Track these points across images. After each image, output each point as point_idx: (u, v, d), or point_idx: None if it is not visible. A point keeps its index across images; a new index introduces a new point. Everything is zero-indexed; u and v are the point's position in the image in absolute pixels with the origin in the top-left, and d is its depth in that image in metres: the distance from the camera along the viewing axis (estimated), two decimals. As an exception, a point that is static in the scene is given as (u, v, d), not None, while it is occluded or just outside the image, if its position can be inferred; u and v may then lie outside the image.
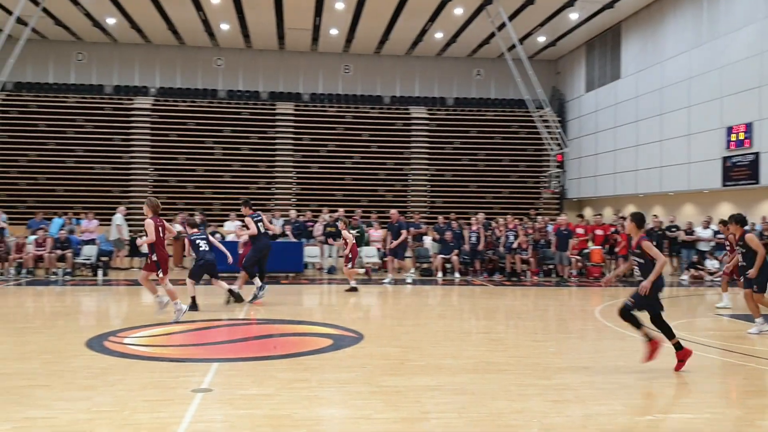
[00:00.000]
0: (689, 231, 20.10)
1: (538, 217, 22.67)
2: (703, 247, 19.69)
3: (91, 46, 32.08)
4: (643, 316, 7.46)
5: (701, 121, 22.69)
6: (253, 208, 13.17)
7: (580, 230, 19.64)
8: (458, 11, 27.24)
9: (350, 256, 15.40)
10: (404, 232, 17.72)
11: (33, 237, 18.57)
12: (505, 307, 13.64)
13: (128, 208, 24.73)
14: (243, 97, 32.69)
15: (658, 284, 7.28)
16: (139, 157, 30.57)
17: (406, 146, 32.27)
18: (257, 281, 12.67)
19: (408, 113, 32.75)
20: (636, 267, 7.51)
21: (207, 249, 12.15)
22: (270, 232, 13.84)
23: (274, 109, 32.07)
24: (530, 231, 19.37)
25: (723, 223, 14.13)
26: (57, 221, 20.40)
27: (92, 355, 7.88)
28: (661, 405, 6.27)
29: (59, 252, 18.10)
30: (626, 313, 7.32)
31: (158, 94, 32.23)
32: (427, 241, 20.94)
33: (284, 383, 6.61)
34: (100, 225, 20.35)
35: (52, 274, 18.08)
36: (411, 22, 28.56)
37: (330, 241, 19.77)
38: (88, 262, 18.57)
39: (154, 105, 31.28)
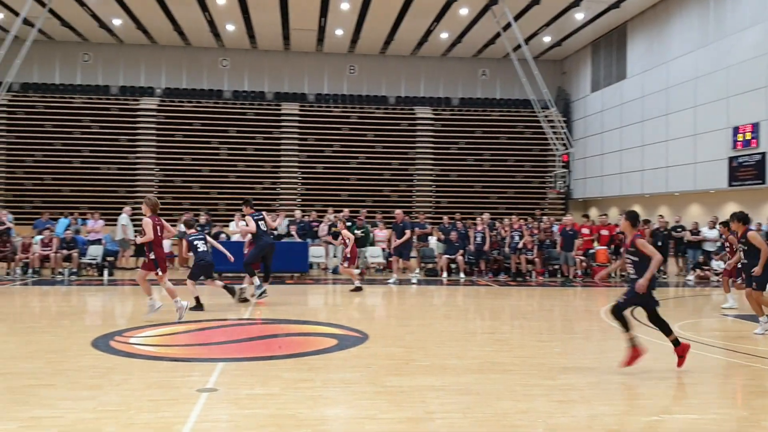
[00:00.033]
0: (695, 231, 20.04)
1: (544, 217, 22.62)
2: (709, 247, 19.62)
3: (97, 46, 32.19)
4: (642, 316, 7.44)
5: (707, 121, 22.63)
6: (256, 207, 13.23)
7: (585, 230, 19.58)
8: (463, 11, 27.23)
9: (348, 255, 15.43)
10: (408, 232, 17.70)
11: (39, 237, 18.64)
12: (510, 307, 13.62)
13: (134, 209, 24.73)
14: (248, 97, 32.74)
15: (652, 282, 7.24)
16: (145, 157, 30.66)
17: (411, 146, 32.26)
18: (256, 280, 12.71)
19: (413, 113, 32.74)
20: (630, 265, 7.48)
21: (205, 249, 12.19)
22: (272, 229, 13.91)
23: (279, 110, 32.12)
24: (535, 231, 19.34)
25: (723, 224, 14.08)
26: (63, 221, 20.48)
27: (98, 354, 7.90)
28: (666, 405, 6.25)
29: (65, 252, 18.15)
30: (618, 313, 7.29)
31: (164, 94, 32.32)
32: (432, 241, 20.93)
33: (289, 383, 6.61)
34: (106, 225, 20.41)
35: (58, 274, 18.14)
36: (416, 22, 28.56)
37: (331, 239, 19.78)
38: (93, 262, 18.63)
39: (159, 105, 31.36)
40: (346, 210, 20.95)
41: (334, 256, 19.98)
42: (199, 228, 19.13)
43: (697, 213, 23.57)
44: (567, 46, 31.90)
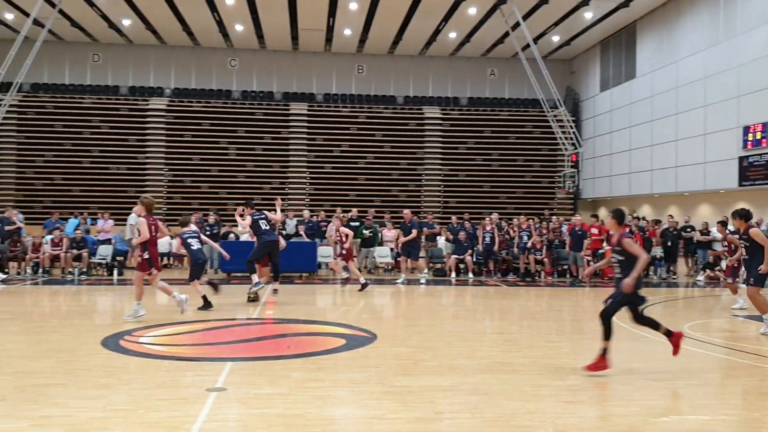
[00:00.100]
0: (705, 231, 19.93)
1: (553, 217, 22.56)
2: (718, 247, 19.48)
3: (106, 47, 32.34)
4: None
5: (717, 120, 22.51)
6: (263, 207, 13.29)
7: (594, 230, 19.48)
8: (472, 11, 27.19)
9: (344, 252, 15.48)
10: (414, 231, 17.65)
11: (49, 237, 18.74)
12: (519, 307, 13.59)
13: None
14: (257, 97, 32.81)
15: (638, 282, 7.18)
16: (154, 157, 30.78)
17: (419, 146, 32.25)
18: (254, 278, 12.75)
19: (421, 113, 32.72)
20: (616, 264, 7.43)
21: (199, 247, 12.27)
22: (277, 223, 14.04)
23: (287, 110, 32.17)
24: (544, 231, 19.28)
25: (721, 223, 14.02)
26: (72, 221, 20.59)
27: (108, 354, 7.94)
28: (677, 406, 6.22)
29: (75, 252, 18.24)
30: (607, 318, 7.19)
31: (173, 94, 32.44)
32: (441, 241, 20.90)
33: (298, 383, 6.62)
34: (116, 225, 20.49)
35: (68, 273, 18.23)
36: (424, 22, 28.55)
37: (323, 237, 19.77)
38: (103, 261, 18.71)
39: (168, 105, 31.47)
40: (355, 210, 20.99)
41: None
42: (208, 227, 19.34)
43: (706, 213, 23.45)
44: (576, 46, 31.80)
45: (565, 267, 19.21)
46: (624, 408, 5.95)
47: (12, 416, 5.44)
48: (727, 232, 13.71)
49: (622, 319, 10.78)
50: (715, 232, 19.67)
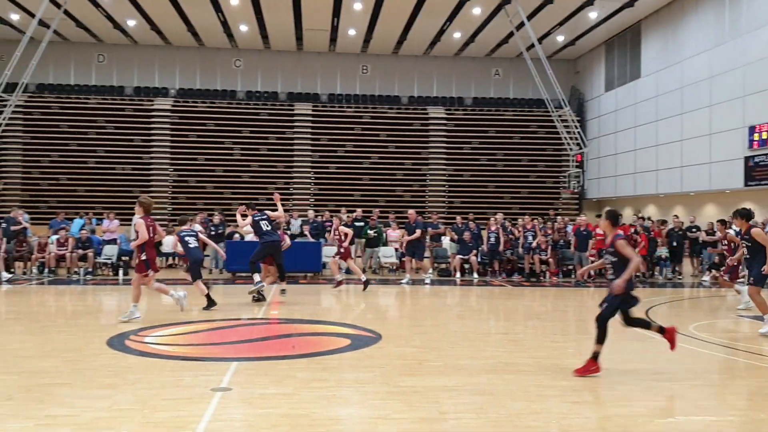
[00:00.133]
0: (710, 231, 19.85)
1: (558, 217, 22.52)
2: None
3: (111, 47, 32.43)
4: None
5: (723, 120, 22.45)
6: (267, 207, 13.34)
7: (599, 230, 19.45)
8: (476, 11, 27.18)
9: (342, 251, 15.50)
10: (418, 231, 17.62)
11: (55, 237, 18.79)
12: (524, 307, 13.58)
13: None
14: (261, 97, 32.86)
15: (630, 284, 7.15)
16: (159, 157, 30.85)
17: (424, 146, 32.25)
18: (256, 277, 12.79)
19: (426, 113, 32.72)
20: (609, 265, 7.41)
21: (196, 246, 12.31)
22: (280, 221, 14.13)
23: (292, 110, 32.21)
24: (549, 231, 19.26)
25: (721, 221, 13.97)
26: (78, 221, 20.65)
27: (113, 353, 7.96)
28: (683, 407, 6.20)
29: (81, 252, 18.29)
30: (602, 323, 7.14)
31: (178, 95, 32.51)
32: (446, 241, 20.88)
33: (303, 383, 6.62)
34: (121, 225, 20.53)
35: (73, 273, 18.28)
36: (429, 22, 28.54)
37: (322, 236, 19.75)
38: (109, 261, 18.75)
39: (173, 106, 31.54)
40: (359, 210, 20.98)
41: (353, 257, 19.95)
42: (213, 227, 19.38)
43: (712, 213, 23.38)
44: (581, 45, 31.76)
45: (570, 267, 19.19)
46: (629, 408, 5.94)
47: (18, 416, 5.46)
48: (727, 231, 13.68)
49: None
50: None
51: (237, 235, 19.52)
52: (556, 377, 7.03)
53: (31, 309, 12.48)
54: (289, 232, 19.22)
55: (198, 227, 19.25)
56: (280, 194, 14.27)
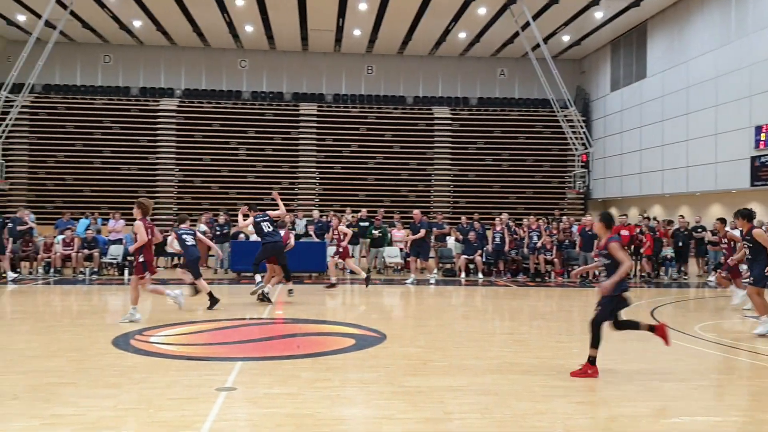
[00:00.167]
0: (716, 232, 19.78)
1: (563, 217, 22.47)
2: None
3: (117, 48, 32.52)
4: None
5: (729, 120, 22.37)
6: (260, 208, 13.37)
7: (604, 231, 19.39)
8: (482, 11, 27.15)
9: (340, 250, 15.50)
10: (423, 231, 17.61)
11: (61, 237, 18.84)
12: (529, 308, 13.56)
13: (154, 209, 24.88)
14: (267, 98, 32.90)
15: (622, 286, 7.12)
16: (165, 157, 30.92)
17: (429, 146, 32.23)
18: (257, 278, 12.81)
19: (431, 113, 32.70)
20: (602, 268, 7.38)
21: (194, 244, 12.33)
22: (282, 222, 14.19)
23: (297, 110, 32.24)
24: (554, 231, 19.22)
25: (720, 220, 13.92)
26: (83, 221, 20.71)
27: (118, 353, 7.98)
28: (688, 408, 6.18)
29: (86, 252, 18.34)
30: (596, 327, 7.11)
31: (183, 95, 32.58)
32: (450, 241, 20.87)
33: (307, 383, 6.63)
34: (126, 225, 20.58)
35: (79, 273, 18.33)
36: (434, 22, 28.53)
37: (321, 237, 19.76)
38: (114, 261, 18.80)
39: (179, 106, 31.61)
40: (364, 210, 20.98)
41: (352, 256, 19.96)
42: (218, 227, 19.42)
43: (718, 213, 23.28)
44: (586, 45, 31.70)
45: (575, 267, 19.11)
46: (634, 409, 5.93)
47: (24, 415, 5.48)
48: (728, 230, 13.65)
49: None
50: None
51: (242, 235, 19.54)
52: (561, 377, 7.01)
53: (36, 309, 12.52)
54: (294, 231, 19.24)
55: (203, 227, 19.34)
56: (286, 194, 14.31)
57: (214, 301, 11.63)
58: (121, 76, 32.71)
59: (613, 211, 29.36)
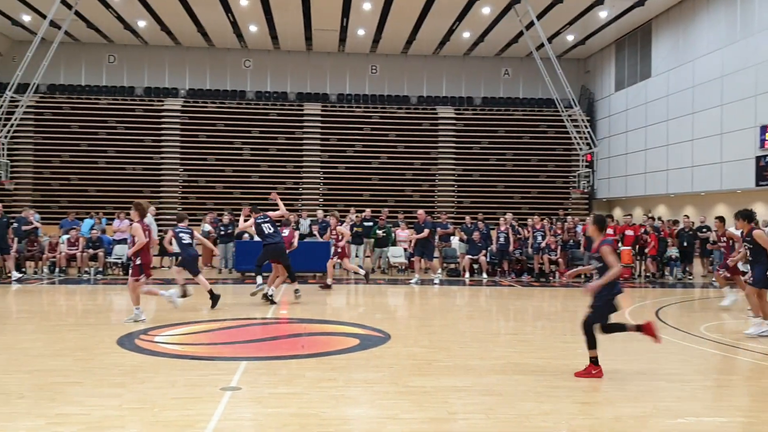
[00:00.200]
0: (714, 229, 19.74)
1: (567, 217, 22.44)
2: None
3: (122, 48, 32.58)
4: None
5: (734, 119, 22.31)
6: (261, 210, 13.38)
7: (609, 231, 19.35)
8: (486, 10, 27.13)
9: (338, 251, 15.51)
10: (426, 231, 17.60)
11: (66, 236, 18.90)
12: (533, 308, 13.55)
13: (158, 209, 25.01)
14: (271, 98, 32.93)
15: (615, 290, 7.10)
16: (169, 157, 30.96)
17: (433, 146, 32.22)
18: (258, 279, 12.82)
19: (435, 113, 32.69)
20: (595, 271, 7.37)
21: (190, 242, 12.38)
22: (287, 221, 14.20)
23: (301, 110, 32.25)
24: (559, 231, 19.20)
25: (719, 218, 13.88)
26: (88, 221, 20.77)
27: (123, 353, 8.00)
28: (693, 408, 6.17)
29: (91, 251, 18.38)
30: (588, 328, 7.10)
31: (188, 95, 32.62)
32: (455, 241, 20.86)
33: (312, 382, 6.64)
34: (131, 225, 20.62)
35: (84, 273, 18.37)
36: (438, 21, 28.51)
37: (318, 236, 19.74)
38: (119, 261, 18.83)
39: (183, 106, 31.65)
40: (368, 210, 20.99)
41: (356, 256, 19.99)
42: (222, 226, 19.44)
43: (723, 213, 23.21)
44: (591, 45, 31.64)
45: (580, 267, 19.08)
46: (639, 409, 5.92)
47: (30, 414, 5.50)
48: (727, 228, 13.63)
49: (638, 320, 10.71)
50: (732, 232, 19.52)
51: (246, 235, 19.56)
52: (565, 378, 7.01)
53: (42, 308, 12.56)
54: (297, 231, 19.25)
55: (208, 227, 19.37)
56: (290, 194, 14.33)
57: (215, 298, 11.65)
58: (126, 76, 32.77)
59: (618, 211, 29.33)
